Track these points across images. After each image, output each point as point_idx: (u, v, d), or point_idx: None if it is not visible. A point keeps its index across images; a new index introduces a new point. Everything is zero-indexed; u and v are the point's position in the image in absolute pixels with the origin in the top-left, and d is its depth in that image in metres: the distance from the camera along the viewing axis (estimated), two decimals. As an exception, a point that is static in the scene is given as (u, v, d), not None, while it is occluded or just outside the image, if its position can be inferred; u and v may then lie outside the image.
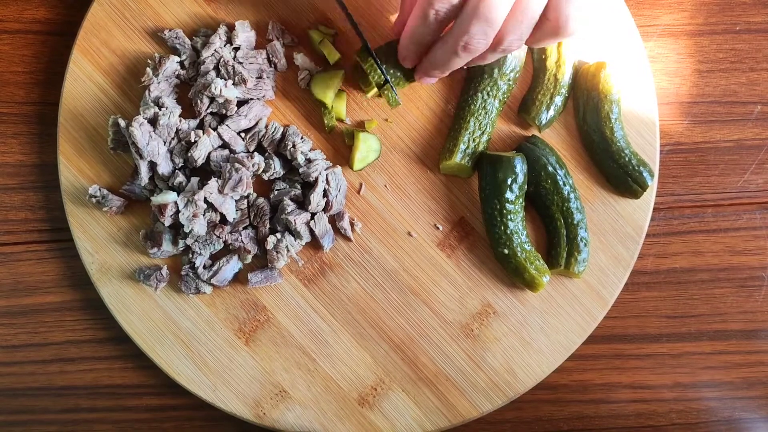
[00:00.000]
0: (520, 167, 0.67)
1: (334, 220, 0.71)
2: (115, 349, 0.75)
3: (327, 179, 0.69)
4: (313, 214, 0.70)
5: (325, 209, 0.70)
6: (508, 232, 0.68)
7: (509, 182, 0.67)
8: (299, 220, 0.69)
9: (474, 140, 0.69)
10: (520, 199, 0.68)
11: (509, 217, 0.68)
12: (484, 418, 0.73)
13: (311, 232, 0.70)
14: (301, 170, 0.69)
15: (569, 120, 0.72)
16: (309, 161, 0.69)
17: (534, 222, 0.72)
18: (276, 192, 0.71)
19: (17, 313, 0.75)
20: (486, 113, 0.69)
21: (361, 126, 0.72)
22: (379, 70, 0.66)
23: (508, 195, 0.67)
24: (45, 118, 0.74)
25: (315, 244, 0.71)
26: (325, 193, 0.69)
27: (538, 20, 0.58)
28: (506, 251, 0.68)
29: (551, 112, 0.70)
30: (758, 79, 0.75)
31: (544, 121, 0.70)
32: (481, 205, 0.69)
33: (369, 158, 0.71)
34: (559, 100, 0.70)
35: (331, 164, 0.71)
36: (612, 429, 0.76)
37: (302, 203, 0.70)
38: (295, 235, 0.70)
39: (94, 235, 0.72)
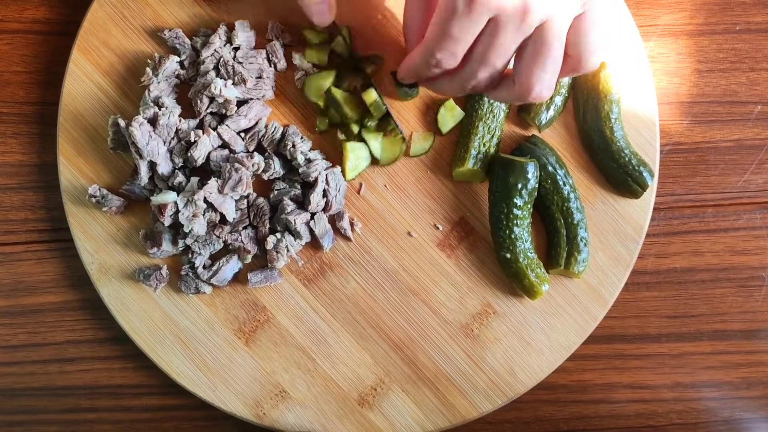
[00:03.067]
0: (533, 173, 0.67)
1: (334, 220, 0.71)
2: (115, 349, 0.75)
3: (327, 179, 0.69)
4: (312, 214, 0.70)
5: (325, 209, 0.70)
6: (513, 236, 0.68)
7: (519, 187, 0.67)
8: (299, 220, 0.69)
9: (484, 144, 0.69)
10: (529, 206, 0.68)
11: (516, 222, 0.67)
12: (484, 418, 0.73)
13: (311, 232, 0.70)
14: (301, 170, 0.69)
15: (569, 120, 0.72)
16: (309, 161, 0.69)
17: (534, 222, 0.72)
18: (276, 192, 0.71)
19: (17, 313, 0.75)
20: (494, 117, 0.69)
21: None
22: (384, 108, 0.69)
23: (517, 200, 0.67)
24: (45, 118, 0.74)
25: (315, 244, 0.71)
26: (325, 193, 0.69)
27: None
28: (508, 255, 0.68)
29: (551, 112, 0.70)
30: (758, 79, 0.75)
31: (544, 121, 0.70)
32: (489, 207, 0.69)
33: (360, 167, 0.71)
34: (558, 100, 0.70)
35: (330, 164, 0.71)
36: (612, 429, 0.76)
37: (302, 203, 0.70)
38: (295, 235, 0.70)
39: (94, 235, 0.72)
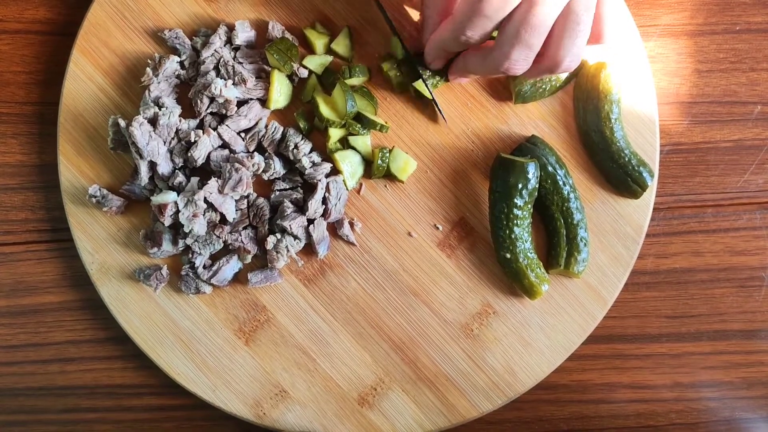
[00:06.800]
0: (533, 173, 0.67)
1: (335, 227, 0.71)
2: (115, 349, 0.75)
3: (327, 187, 0.69)
4: (311, 220, 0.70)
5: (324, 216, 0.70)
6: (513, 236, 0.68)
7: (520, 188, 0.67)
8: (295, 225, 0.68)
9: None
10: (529, 206, 0.68)
11: (516, 222, 0.67)
12: (484, 418, 0.73)
13: (309, 236, 0.70)
14: (306, 172, 0.69)
15: (569, 120, 0.72)
16: (314, 164, 0.69)
17: (534, 222, 0.72)
18: (277, 192, 0.71)
19: (17, 313, 0.75)
20: None
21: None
22: (427, 89, 0.68)
23: (517, 200, 0.67)
24: (45, 118, 0.74)
25: (311, 249, 0.71)
26: (324, 201, 0.69)
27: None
28: (508, 255, 0.68)
29: (531, 87, 0.69)
30: (758, 79, 0.75)
31: (526, 91, 0.69)
32: (489, 207, 0.69)
33: (358, 173, 0.71)
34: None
35: (332, 166, 0.70)
36: (612, 429, 0.76)
37: (302, 207, 0.70)
38: (294, 236, 0.70)
39: (94, 235, 0.72)
